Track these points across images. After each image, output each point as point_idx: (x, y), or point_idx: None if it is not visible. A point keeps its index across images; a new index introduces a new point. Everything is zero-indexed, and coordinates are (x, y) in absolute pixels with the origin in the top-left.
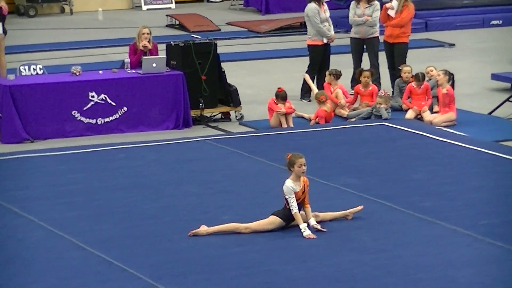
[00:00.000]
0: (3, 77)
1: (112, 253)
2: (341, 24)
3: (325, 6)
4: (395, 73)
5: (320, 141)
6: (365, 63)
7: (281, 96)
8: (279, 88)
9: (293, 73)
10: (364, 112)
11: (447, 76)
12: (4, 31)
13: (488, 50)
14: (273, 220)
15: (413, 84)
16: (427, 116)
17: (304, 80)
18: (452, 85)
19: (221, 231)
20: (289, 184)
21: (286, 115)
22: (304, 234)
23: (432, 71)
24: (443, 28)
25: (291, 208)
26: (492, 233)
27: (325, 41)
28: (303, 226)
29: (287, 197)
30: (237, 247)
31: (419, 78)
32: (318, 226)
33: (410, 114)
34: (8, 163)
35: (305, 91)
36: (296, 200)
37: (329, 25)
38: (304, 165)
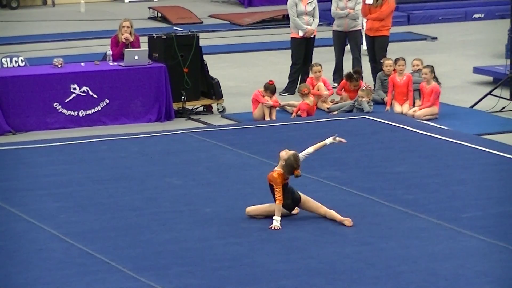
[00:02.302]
0: None
1: (94, 245)
2: (324, 17)
3: (311, 0)
4: (376, 66)
5: (303, 134)
6: (347, 56)
7: (271, 89)
8: (270, 81)
9: (276, 65)
10: (346, 105)
11: (433, 74)
12: None
13: (470, 43)
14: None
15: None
16: (410, 109)
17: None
18: (435, 78)
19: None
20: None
21: (271, 108)
22: (273, 224)
23: (418, 65)
24: (426, 21)
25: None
26: (475, 226)
27: (300, 34)
28: (276, 218)
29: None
30: (220, 240)
31: (351, 77)
32: (277, 226)
33: (399, 108)
34: None
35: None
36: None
37: (313, 19)
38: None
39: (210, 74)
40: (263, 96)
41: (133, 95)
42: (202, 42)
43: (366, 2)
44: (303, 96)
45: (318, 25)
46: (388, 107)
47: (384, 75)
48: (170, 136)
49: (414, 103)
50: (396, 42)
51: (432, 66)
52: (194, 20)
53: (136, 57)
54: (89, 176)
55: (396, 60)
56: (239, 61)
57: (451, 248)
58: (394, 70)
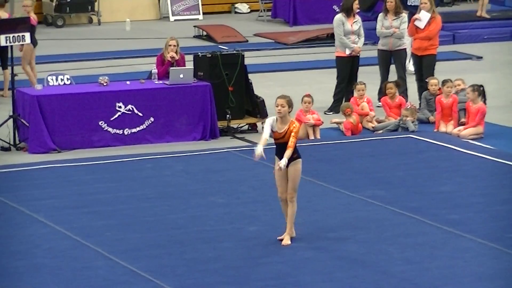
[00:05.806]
0: (31, 87)
1: (138, 263)
2: (369, 36)
3: (357, 19)
4: (423, 85)
5: (347, 153)
6: (393, 75)
7: (306, 96)
8: (306, 94)
9: (320, 84)
10: (391, 124)
11: (476, 92)
12: (34, 42)
13: None
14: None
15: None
16: (454, 128)
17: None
18: (484, 97)
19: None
20: (269, 119)
21: (314, 126)
22: (256, 150)
23: (459, 85)
24: (471, 41)
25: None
26: None
27: (347, 52)
28: (259, 146)
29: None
30: (264, 258)
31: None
32: (282, 165)
33: (444, 128)
34: (36, 173)
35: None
36: (276, 139)
37: (358, 38)
38: (281, 106)
39: (255, 92)
40: (305, 115)
41: (178, 114)
42: (247, 61)
43: (416, 24)
44: (346, 116)
45: (363, 44)
46: (436, 129)
47: (430, 94)
48: (215, 154)
49: (459, 121)
50: (441, 61)
51: (476, 85)
52: (239, 39)
53: (181, 76)
54: (134, 194)
55: (443, 82)
56: (284, 80)
57: (496, 268)
58: (439, 90)
